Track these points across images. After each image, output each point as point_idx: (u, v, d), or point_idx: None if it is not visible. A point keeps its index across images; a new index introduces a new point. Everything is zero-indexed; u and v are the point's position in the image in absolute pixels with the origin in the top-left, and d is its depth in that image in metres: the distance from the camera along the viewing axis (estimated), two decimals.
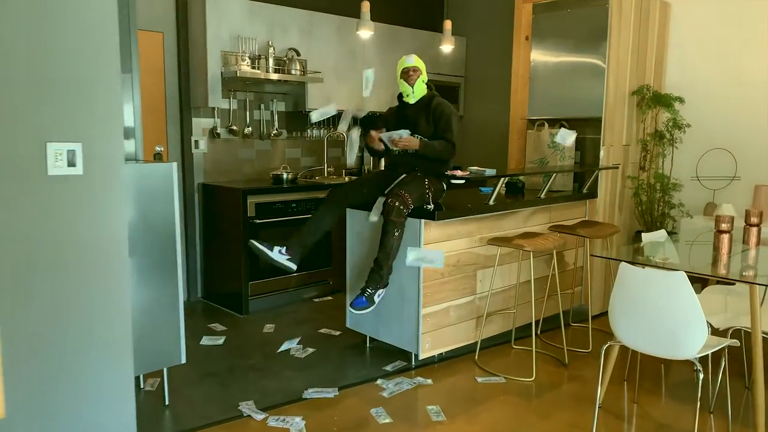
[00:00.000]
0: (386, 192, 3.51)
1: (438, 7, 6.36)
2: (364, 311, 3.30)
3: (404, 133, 3.49)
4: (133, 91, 3.15)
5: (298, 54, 4.91)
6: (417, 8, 6.21)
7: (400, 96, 3.70)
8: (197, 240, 4.86)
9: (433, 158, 3.52)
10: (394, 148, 3.56)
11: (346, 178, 5.57)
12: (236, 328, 4.27)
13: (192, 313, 4.64)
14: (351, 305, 3.31)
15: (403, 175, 3.57)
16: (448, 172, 3.49)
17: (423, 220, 3.40)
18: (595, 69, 4.45)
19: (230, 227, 4.56)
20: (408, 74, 3.60)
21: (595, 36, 4.44)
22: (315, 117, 3.81)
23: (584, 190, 4.47)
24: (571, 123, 4.68)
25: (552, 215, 4.25)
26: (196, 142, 4.77)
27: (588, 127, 4.63)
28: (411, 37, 5.77)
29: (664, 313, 2.53)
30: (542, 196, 4.09)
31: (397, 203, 3.30)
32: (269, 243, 3.45)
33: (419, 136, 3.54)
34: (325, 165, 5.54)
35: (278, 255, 3.44)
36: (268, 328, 4.27)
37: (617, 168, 4.57)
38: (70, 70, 2.19)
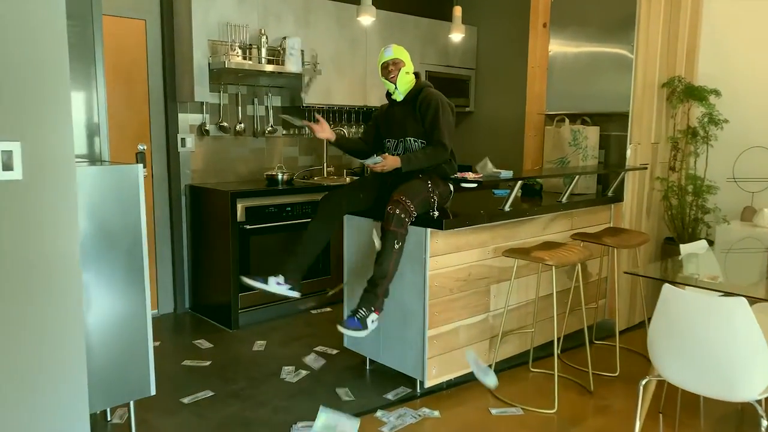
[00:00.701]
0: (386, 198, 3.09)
1: None
2: (356, 334, 2.88)
3: (378, 159, 3.06)
4: (97, 84, 2.75)
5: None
6: None
7: (389, 93, 3.29)
8: (184, 247, 4.46)
9: (426, 168, 3.11)
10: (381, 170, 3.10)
11: (347, 179, 5.16)
12: (223, 345, 3.87)
13: (178, 327, 4.25)
14: (343, 324, 2.89)
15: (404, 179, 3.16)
16: (457, 175, 3.06)
17: (429, 230, 2.98)
18: (621, 59, 4.01)
19: (219, 233, 4.16)
20: (387, 69, 3.17)
21: (621, 23, 4.00)
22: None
23: (609, 193, 4.03)
24: (593, 118, 4.24)
25: (574, 221, 3.82)
26: (183, 139, 4.37)
27: (612, 123, 4.19)
28: (417, 25, 5.34)
29: (719, 347, 2.10)
30: (563, 200, 3.66)
31: (397, 211, 2.88)
32: (262, 276, 3.07)
33: (400, 152, 3.17)
34: (325, 164, 5.13)
35: (277, 287, 3.07)
36: (259, 345, 3.87)
37: (645, 169, 4.12)
38: (4, 57, 1.80)
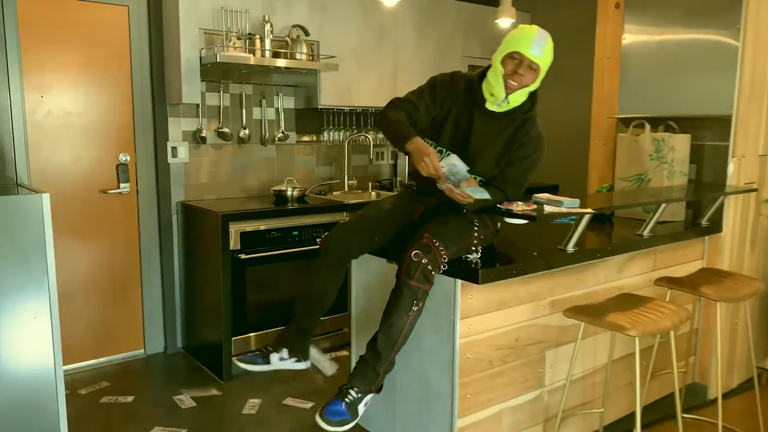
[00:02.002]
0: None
1: None
2: (340, 429, 2.05)
3: (464, 173, 2.11)
4: (10, 85, 2.04)
5: (306, 33, 3.73)
6: None
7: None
8: (176, 275, 3.76)
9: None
10: (440, 187, 2.15)
11: (373, 194, 4.37)
12: (209, 403, 3.14)
13: (163, 373, 3.56)
14: (321, 414, 2.05)
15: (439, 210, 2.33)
16: (502, 206, 2.21)
17: (459, 281, 2.15)
18: (721, 48, 3.07)
19: (210, 263, 3.44)
20: (518, 70, 2.11)
21: (722, 2, 3.06)
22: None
23: (703, 222, 3.10)
24: (681, 124, 3.30)
25: (657, 260, 2.91)
26: (174, 149, 3.67)
27: (708, 131, 3.25)
28: (459, 11, 4.50)
29: None
30: (645, 234, 2.76)
31: (424, 260, 2.04)
32: (262, 355, 2.31)
33: (473, 190, 2.16)
34: (346, 176, 4.35)
35: (281, 363, 2.32)
36: (251, 406, 3.12)
37: (753, 191, 3.17)
38: None
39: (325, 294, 2.33)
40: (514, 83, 2.13)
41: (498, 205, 2.22)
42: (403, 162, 4.65)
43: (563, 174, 4.58)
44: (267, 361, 2.30)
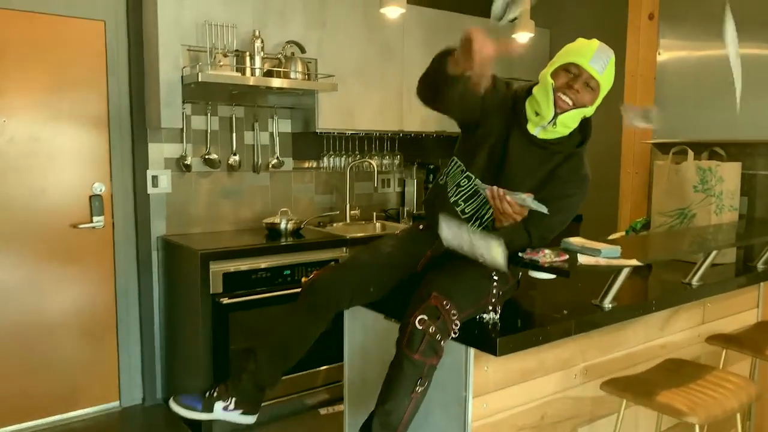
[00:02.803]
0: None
1: None
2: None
3: (525, 198, 1.62)
4: None
5: (302, 50, 3.36)
6: None
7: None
8: (156, 320, 3.37)
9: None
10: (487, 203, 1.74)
11: (378, 225, 3.97)
12: None
13: (143, 428, 3.16)
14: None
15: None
16: (525, 255, 1.79)
17: (472, 350, 1.73)
18: None
19: (190, 307, 3.05)
20: (574, 84, 1.72)
21: None
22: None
23: (759, 266, 2.65)
24: (729, 150, 2.87)
25: (706, 312, 2.46)
26: (155, 178, 3.30)
27: (761, 158, 2.83)
28: (471, 25, 4.10)
29: None
30: (694, 282, 2.32)
31: (431, 329, 1.62)
32: (203, 399, 1.93)
33: (470, 212, 1.85)
34: (348, 206, 3.96)
35: (224, 414, 1.93)
36: None
37: None
38: None
39: (296, 345, 1.92)
40: (568, 100, 1.72)
41: (520, 254, 1.79)
42: (412, 189, 4.26)
43: (589, 204, 4.13)
44: (209, 410, 1.90)
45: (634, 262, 1.76)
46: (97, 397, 3.31)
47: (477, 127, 1.85)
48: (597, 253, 1.77)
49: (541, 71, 1.79)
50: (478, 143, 1.86)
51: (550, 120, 1.73)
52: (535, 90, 1.78)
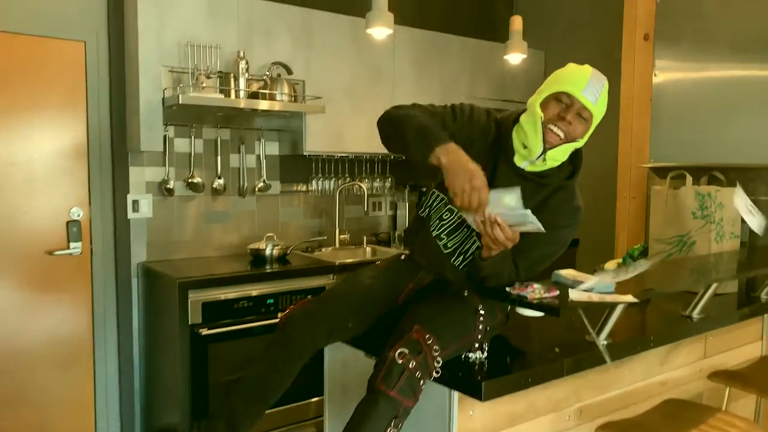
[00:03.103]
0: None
1: (503, 8, 4.60)
2: None
3: (523, 216, 1.49)
4: None
5: (289, 72, 3.28)
6: (474, 12, 4.49)
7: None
8: (135, 351, 3.23)
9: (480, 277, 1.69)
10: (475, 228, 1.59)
11: (368, 249, 3.85)
12: None
13: None
14: None
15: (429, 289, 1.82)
16: (513, 290, 1.67)
17: (456, 393, 1.60)
18: None
19: (168, 338, 2.92)
20: (566, 116, 1.59)
21: None
22: None
23: (762, 296, 2.53)
24: (729, 175, 2.77)
25: (708, 345, 2.34)
26: (136, 202, 3.19)
27: (762, 184, 2.71)
28: (463, 47, 4.04)
29: None
30: (695, 315, 2.19)
31: (411, 364, 1.50)
32: None
33: (451, 248, 1.76)
34: (337, 230, 3.85)
35: None
36: None
37: None
38: None
39: (272, 386, 1.78)
40: (559, 132, 1.59)
41: (507, 289, 1.67)
42: (403, 213, 4.15)
43: (585, 229, 4.02)
44: None
45: (630, 298, 1.64)
46: (71, 431, 3.16)
47: None
48: (589, 288, 1.65)
49: (530, 98, 1.68)
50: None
51: (539, 155, 1.61)
52: (522, 119, 1.65)
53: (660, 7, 2.95)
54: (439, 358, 1.55)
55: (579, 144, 1.66)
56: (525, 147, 1.63)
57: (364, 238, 3.98)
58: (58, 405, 3.11)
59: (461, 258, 1.76)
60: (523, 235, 1.57)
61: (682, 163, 2.81)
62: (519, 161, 1.66)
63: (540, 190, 1.69)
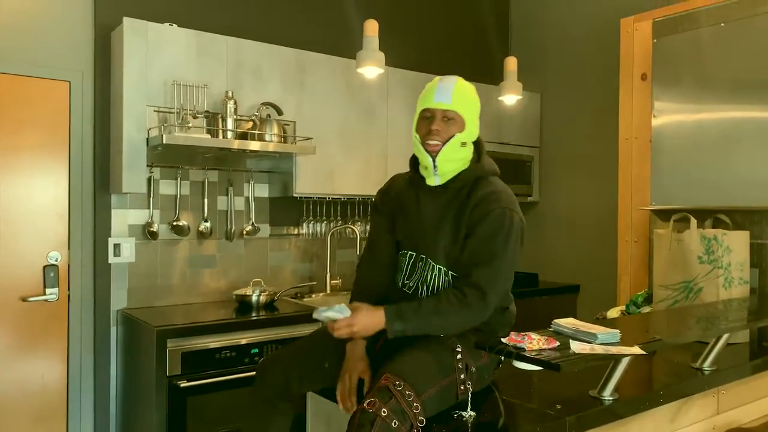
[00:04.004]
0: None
1: (498, 50, 4.58)
2: None
3: (338, 313, 1.54)
4: None
5: (279, 112, 3.20)
6: (467, 53, 4.47)
7: (415, 163, 1.80)
8: (111, 405, 3.05)
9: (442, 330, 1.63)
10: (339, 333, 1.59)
11: None
12: None
13: None
14: None
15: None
16: (508, 340, 1.53)
17: None
18: None
19: (145, 389, 2.74)
20: (431, 126, 1.68)
21: None
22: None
23: None
24: (734, 218, 2.65)
25: (722, 400, 2.17)
26: (117, 246, 3.06)
27: None
28: None
29: None
30: (705, 368, 2.04)
31: (383, 411, 1.39)
32: None
33: (413, 284, 1.73)
34: (328, 275, 3.70)
35: None
36: None
37: None
38: None
39: None
40: (433, 141, 1.68)
41: (503, 341, 1.53)
42: None
43: (586, 274, 3.90)
44: None
45: (637, 350, 1.50)
46: None
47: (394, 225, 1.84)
48: (593, 338, 1.52)
49: (413, 133, 1.76)
50: (403, 226, 1.82)
51: (432, 165, 1.69)
52: (414, 151, 1.77)
53: (657, 47, 2.89)
54: (416, 404, 1.43)
55: (464, 137, 1.70)
56: (426, 168, 1.72)
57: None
58: None
59: (424, 287, 1.71)
60: (465, 245, 1.65)
61: (685, 206, 2.70)
62: (431, 182, 1.73)
63: (459, 197, 1.72)
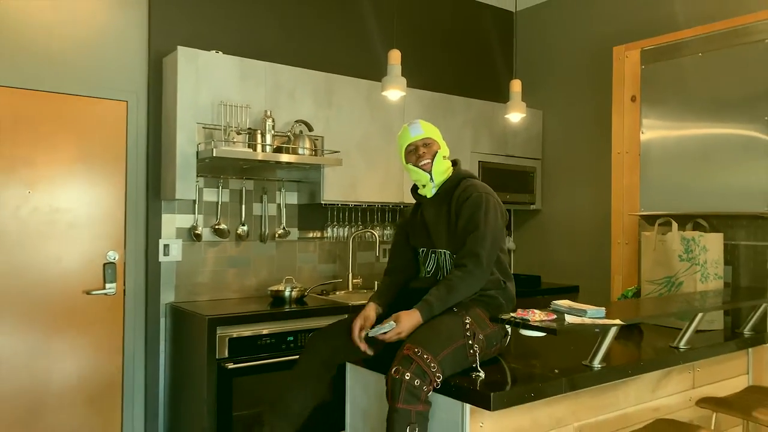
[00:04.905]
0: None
1: (504, 73, 4.99)
2: None
3: (387, 326, 2.00)
4: None
5: (310, 128, 3.61)
6: (477, 76, 4.87)
7: (415, 188, 2.38)
8: (161, 385, 3.43)
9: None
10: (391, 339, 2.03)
11: None
12: None
13: None
14: None
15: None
16: (515, 315, 1.92)
17: (468, 406, 1.82)
18: (749, 142, 2.88)
19: (195, 372, 3.12)
20: (418, 152, 2.25)
21: (747, 92, 2.89)
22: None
23: (745, 332, 2.75)
24: (712, 222, 3.04)
25: (696, 376, 2.55)
26: (167, 246, 3.46)
27: (742, 229, 2.98)
28: (467, 107, 4.39)
29: None
30: (681, 346, 2.42)
31: (407, 375, 1.78)
32: None
33: (431, 269, 2.27)
34: (350, 275, 4.09)
35: None
36: None
37: None
38: None
39: (303, 402, 2.12)
40: (424, 161, 2.24)
41: (512, 315, 1.92)
42: None
43: (583, 275, 4.28)
44: None
45: (618, 321, 1.89)
46: None
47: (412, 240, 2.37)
48: (583, 314, 1.90)
49: (403, 164, 2.33)
50: (414, 233, 2.34)
51: (430, 178, 2.23)
52: (411, 178, 2.31)
53: (644, 72, 3.29)
54: (433, 364, 1.81)
55: (442, 152, 2.26)
56: (423, 185, 2.27)
57: (376, 282, 4.22)
58: None
59: (438, 269, 2.23)
60: (459, 234, 2.14)
61: (669, 212, 3.09)
62: (429, 194, 2.27)
63: (447, 199, 2.22)
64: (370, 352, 2.10)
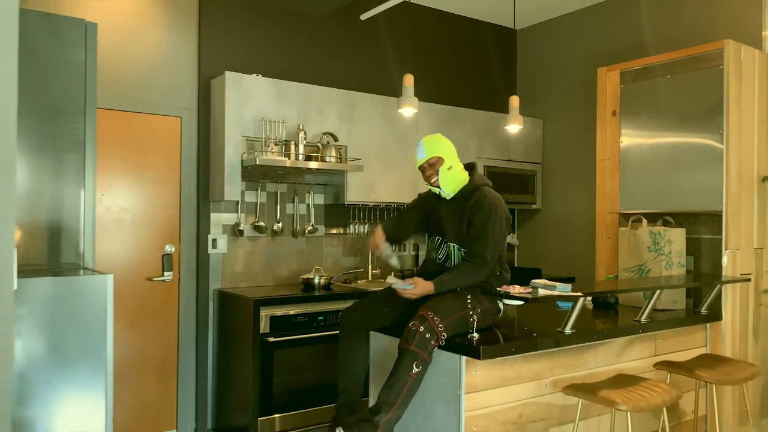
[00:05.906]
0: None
1: (507, 86, 5.55)
2: None
3: (408, 284, 2.57)
4: (85, 181, 2.46)
5: (336, 139, 4.19)
6: (482, 89, 5.43)
7: (425, 196, 2.92)
8: (209, 359, 4.04)
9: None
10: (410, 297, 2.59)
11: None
12: None
13: None
14: None
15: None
16: (500, 289, 2.49)
17: (464, 358, 2.39)
18: (707, 150, 3.40)
19: (241, 346, 3.72)
20: (425, 174, 2.73)
21: (706, 109, 3.42)
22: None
23: (702, 310, 3.28)
24: (678, 219, 3.57)
25: (658, 346, 3.09)
26: (215, 240, 4.06)
27: (702, 225, 3.51)
28: (473, 118, 4.95)
29: None
30: (642, 319, 2.96)
31: (421, 328, 2.36)
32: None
33: (441, 257, 2.77)
34: (370, 266, 4.67)
35: None
36: None
37: (748, 281, 3.36)
38: None
39: (355, 361, 2.70)
40: (432, 180, 2.71)
41: (498, 289, 2.49)
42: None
43: (577, 266, 4.82)
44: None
45: (579, 294, 2.44)
46: (158, 425, 3.93)
47: (425, 220, 2.87)
48: (553, 288, 2.46)
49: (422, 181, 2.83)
50: (432, 220, 2.82)
51: (440, 190, 2.70)
52: (425, 186, 2.83)
53: (623, 91, 3.83)
54: (440, 325, 2.39)
55: (446, 164, 2.67)
56: (438, 194, 2.75)
57: (392, 273, 4.78)
58: (148, 406, 3.89)
59: (447, 257, 2.74)
60: (468, 234, 2.64)
61: (644, 210, 3.63)
62: (446, 197, 2.73)
63: (463, 202, 2.69)
64: (387, 252, 2.74)
